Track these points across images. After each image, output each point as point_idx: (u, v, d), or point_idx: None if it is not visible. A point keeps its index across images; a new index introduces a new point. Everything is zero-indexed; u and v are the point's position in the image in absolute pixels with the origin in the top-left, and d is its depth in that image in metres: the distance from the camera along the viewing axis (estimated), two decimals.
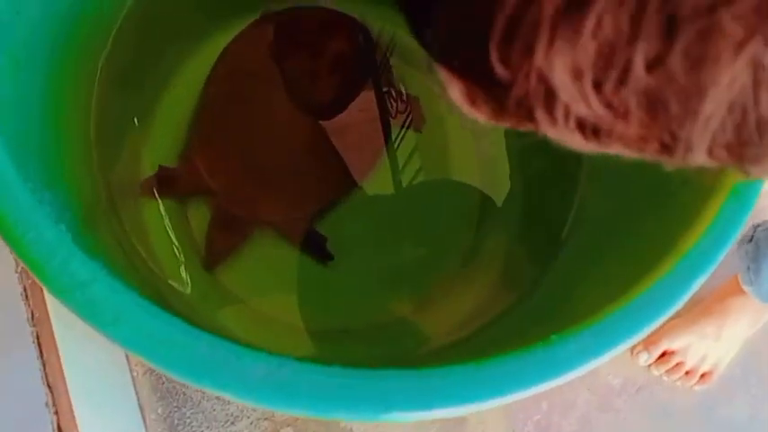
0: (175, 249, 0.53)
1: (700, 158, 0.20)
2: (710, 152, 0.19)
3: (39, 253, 0.28)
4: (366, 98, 0.59)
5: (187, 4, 0.56)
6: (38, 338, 0.44)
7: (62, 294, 0.29)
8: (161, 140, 0.55)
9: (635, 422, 0.65)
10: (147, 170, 0.54)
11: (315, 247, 0.56)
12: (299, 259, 0.56)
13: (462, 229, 0.58)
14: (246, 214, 0.55)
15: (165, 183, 0.55)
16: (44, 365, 0.45)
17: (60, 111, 0.42)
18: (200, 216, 0.55)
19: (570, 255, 0.48)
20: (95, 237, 0.40)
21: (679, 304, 0.33)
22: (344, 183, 0.57)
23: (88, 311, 0.28)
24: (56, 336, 0.45)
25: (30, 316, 0.46)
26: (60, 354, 0.45)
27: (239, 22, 0.58)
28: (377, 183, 0.58)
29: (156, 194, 0.54)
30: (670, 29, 0.17)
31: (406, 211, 0.59)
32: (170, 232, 0.54)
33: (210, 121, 0.56)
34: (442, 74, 0.22)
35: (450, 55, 0.22)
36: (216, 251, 0.54)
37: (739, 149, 0.19)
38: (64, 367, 0.45)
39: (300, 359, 0.29)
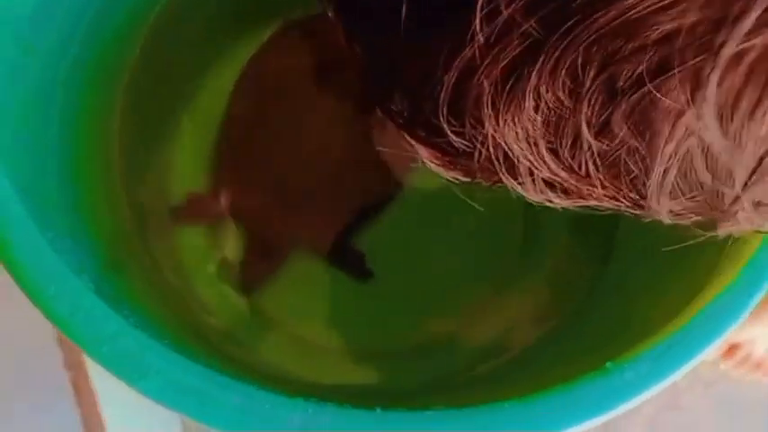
0: (210, 276, 0.52)
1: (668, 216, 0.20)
2: (674, 212, 0.20)
3: (62, 308, 0.28)
4: None
5: (204, 23, 0.55)
6: (74, 384, 0.44)
7: (89, 348, 0.28)
8: (188, 166, 0.54)
9: (702, 420, 0.63)
10: (176, 198, 0.53)
11: (352, 265, 0.54)
12: (336, 278, 0.54)
13: (508, 237, 0.55)
14: (279, 236, 0.53)
15: (195, 210, 0.54)
16: (81, 410, 0.44)
17: (80, 150, 0.42)
18: (233, 241, 0.54)
19: (622, 266, 0.46)
20: (123, 278, 0.39)
21: (746, 314, 0.30)
22: (380, 193, 0.55)
23: (116, 365, 0.27)
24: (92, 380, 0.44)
25: (65, 361, 0.45)
26: (98, 397, 0.44)
27: (259, 34, 0.56)
28: (416, 189, 0.56)
29: (187, 222, 0.53)
30: (611, 97, 0.17)
31: (448, 219, 0.57)
32: (204, 259, 0.52)
33: (236, 143, 0.54)
34: (410, 140, 0.22)
35: (413, 126, 0.22)
36: (252, 276, 0.53)
37: (699, 210, 0.20)
38: (102, 411, 0.44)
39: (340, 404, 0.28)
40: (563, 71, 0.17)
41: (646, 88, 0.16)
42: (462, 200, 0.55)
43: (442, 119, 0.19)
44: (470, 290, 0.54)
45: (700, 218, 0.20)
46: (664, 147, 0.17)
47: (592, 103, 0.17)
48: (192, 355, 0.39)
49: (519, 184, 0.20)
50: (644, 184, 0.19)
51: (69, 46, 0.42)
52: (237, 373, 0.38)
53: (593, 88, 0.17)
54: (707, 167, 0.18)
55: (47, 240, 0.28)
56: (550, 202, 0.21)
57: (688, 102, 0.16)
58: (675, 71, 0.16)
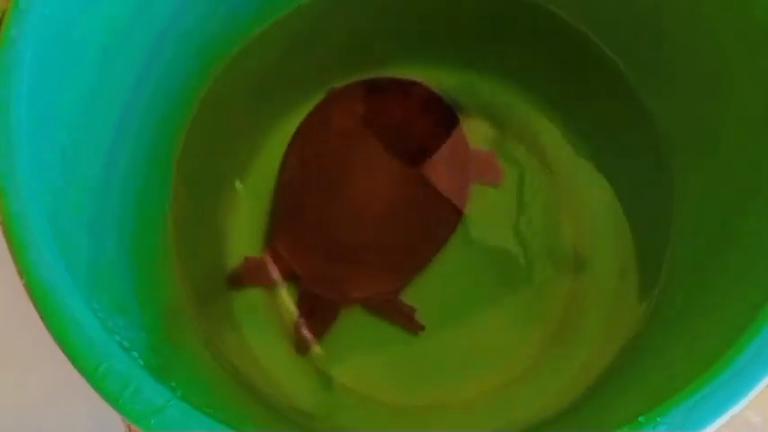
0: (267, 340, 0.54)
1: None
2: None
3: (112, 384, 0.29)
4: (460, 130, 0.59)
5: (254, 94, 0.58)
6: None
7: (138, 422, 0.29)
8: (242, 232, 0.57)
9: None
10: (232, 264, 0.55)
11: (404, 319, 0.55)
12: (389, 333, 0.55)
13: (556, 285, 0.56)
14: (332, 295, 0.55)
15: (252, 272, 0.56)
16: None
17: (134, 230, 0.44)
18: (288, 302, 0.56)
19: (666, 311, 0.45)
20: (177, 349, 0.41)
21: None
22: (434, 246, 0.56)
23: None
24: None
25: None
26: None
27: (307, 101, 0.59)
28: (463, 239, 0.57)
29: (243, 285, 0.55)
30: None
31: (495, 268, 0.57)
32: (260, 323, 0.54)
33: (288, 206, 0.57)
34: None
35: None
36: (305, 335, 0.54)
37: None
38: None
39: None
40: None
41: None
42: (508, 247, 0.56)
43: None
44: (519, 342, 0.54)
45: None
46: None
47: None
48: (251, 421, 0.40)
49: None
50: None
51: (126, 126, 0.45)
52: None
53: None
54: None
55: (98, 320, 0.30)
56: None
57: None
58: None
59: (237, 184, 0.58)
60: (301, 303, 0.55)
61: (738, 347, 0.30)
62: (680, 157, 0.51)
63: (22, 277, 0.31)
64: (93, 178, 0.40)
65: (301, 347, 0.54)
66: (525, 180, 0.59)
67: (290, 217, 0.57)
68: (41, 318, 0.30)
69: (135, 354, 0.31)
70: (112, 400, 0.29)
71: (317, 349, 0.54)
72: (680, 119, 0.51)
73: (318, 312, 0.55)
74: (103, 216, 0.40)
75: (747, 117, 0.44)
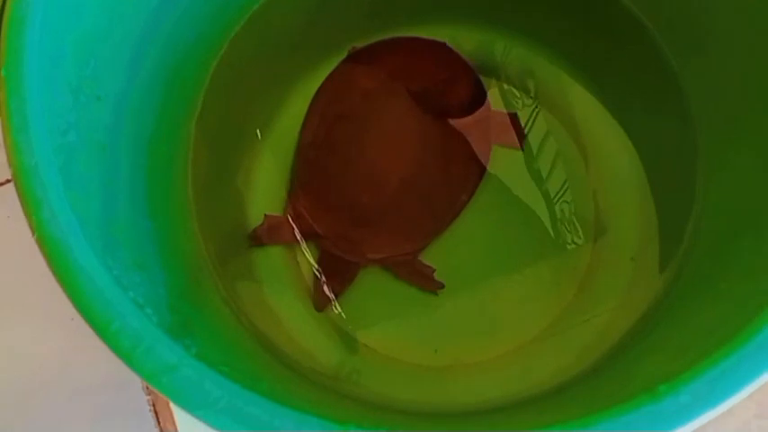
0: (287, 298, 0.54)
1: None
2: None
3: (125, 342, 0.29)
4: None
5: (275, 52, 0.57)
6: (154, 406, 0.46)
7: (151, 379, 0.29)
8: (264, 190, 0.56)
9: None
10: (253, 222, 0.55)
11: (423, 280, 0.54)
12: (410, 294, 0.55)
13: (579, 248, 0.55)
14: (352, 255, 0.54)
15: (273, 231, 0.55)
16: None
17: (152, 187, 0.44)
18: (308, 261, 0.55)
19: (687, 281, 0.44)
20: (196, 306, 0.41)
21: None
22: (454, 208, 0.55)
23: (177, 395, 0.29)
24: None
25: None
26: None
27: (328, 61, 0.58)
28: (482, 201, 0.56)
29: (264, 243, 0.55)
30: None
31: (515, 231, 0.57)
32: (280, 280, 0.54)
33: (309, 166, 0.56)
34: None
35: None
36: (323, 293, 0.54)
37: None
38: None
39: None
40: None
41: None
42: (530, 209, 0.55)
43: None
44: (539, 305, 0.53)
45: None
46: None
47: None
48: (267, 379, 0.40)
49: None
50: None
51: (138, 73, 0.44)
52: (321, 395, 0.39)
53: None
54: None
55: (112, 277, 0.30)
56: None
57: None
58: None
59: (258, 143, 0.57)
60: (321, 262, 0.55)
61: (764, 319, 0.29)
62: (705, 126, 0.50)
63: (33, 233, 0.31)
64: (104, 131, 0.39)
65: (319, 304, 0.54)
66: (549, 143, 0.58)
67: (311, 177, 0.56)
68: (53, 273, 0.30)
69: (149, 311, 0.31)
70: (125, 357, 0.29)
71: (335, 307, 0.54)
72: (708, 85, 0.50)
73: (337, 272, 0.55)
74: (116, 172, 0.40)
75: None
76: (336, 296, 0.54)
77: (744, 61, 0.45)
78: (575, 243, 0.55)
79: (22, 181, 0.31)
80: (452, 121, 0.57)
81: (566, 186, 0.56)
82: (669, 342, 0.39)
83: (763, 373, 0.28)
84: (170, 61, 0.46)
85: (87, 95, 0.37)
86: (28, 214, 0.31)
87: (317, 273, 0.55)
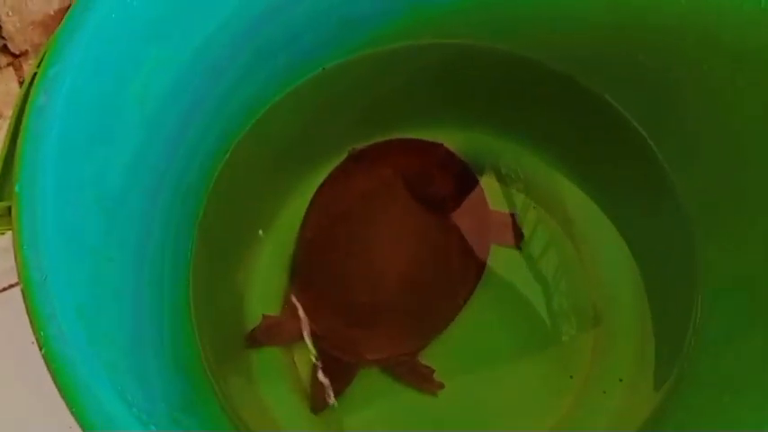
0: (285, 399, 0.53)
1: None
2: None
3: None
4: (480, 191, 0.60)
5: (274, 156, 0.58)
6: None
7: None
8: (262, 291, 0.57)
9: None
10: (250, 322, 0.55)
11: (421, 380, 0.54)
12: (406, 392, 0.55)
13: (578, 344, 0.55)
14: (350, 356, 0.54)
15: (270, 331, 0.55)
16: None
17: (156, 297, 0.44)
18: (306, 361, 0.55)
19: (688, 393, 0.44)
20: (196, 417, 0.41)
21: None
22: (454, 307, 0.56)
23: None
24: None
25: None
26: None
27: (328, 163, 0.59)
28: (480, 300, 0.56)
29: (262, 344, 0.55)
30: None
31: (515, 327, 0.57)
32: (279, 382, 0.54)
33: (308, 266, 0.57)
34: None
35: None
36: (322, 396, 0.54)
37: None
38: None
39: None
40: None
41: None
42: (528, 308, 0.55)
43: None
44: (540, 404, 0.53)
45: None
46: None
47: None
48: None
49: None
50: None
51: (156, 196, 0.45)
52: None
53: None
54: None
55: (117, 394, 0.30)
56: None
57: None
58: None
59: (256, 243, 0.58)
60: (319, 363, 0.55)
61: None
62: (702, 224, 0.51)
63: (40, 348, 0.31)
64: (122, 250, 0.40)
65: (317, 406, 0.53)
66: (545, 241, 0.58)
67: (309, 277, 0.56)
68: (59, 391, 0.30)
69: (153, 427, 0.31)
70: None
71: (333, 408, 0.54)
72: (702, 187, 0.51)
73: (335, 372, 0.55)
74: (128, 289, 0.40)
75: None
76: (335, 397, 0.54)
77: (736, 166, 0.47)
78: (574, 338, 0.55)
79: (30, 296, 0.32)
80: (452, 221, 0.58)
81: (561, 282, 0.57)
82: None
83: None
84: (186, 177, 0.48)
85: (110, 221, 0.38)
86: (35, 330, 0.31)
87: (315, 375, 0.54)
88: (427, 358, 0.55)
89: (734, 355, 0.42)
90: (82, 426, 0.30)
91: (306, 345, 0.56)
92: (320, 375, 0.55)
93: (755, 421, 0.31)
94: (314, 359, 0.55)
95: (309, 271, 0.57)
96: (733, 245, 0.48)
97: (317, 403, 0.54)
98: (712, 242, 0.50)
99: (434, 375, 0.55)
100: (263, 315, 0.56)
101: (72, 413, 0.30)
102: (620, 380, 0.53)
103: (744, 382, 0.39)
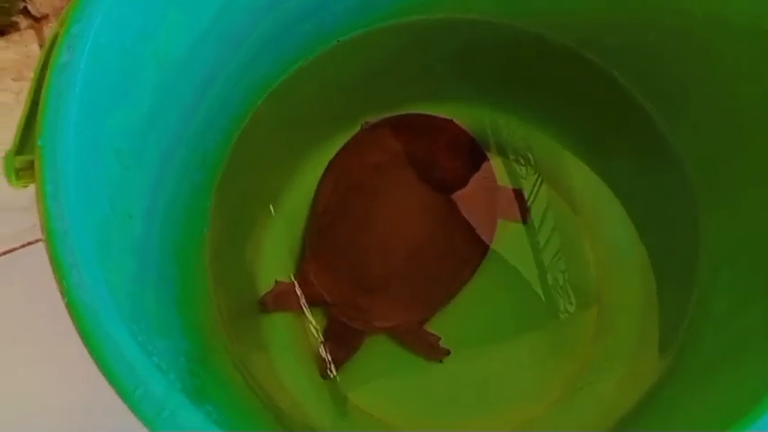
0: (295, 364, 0.54)
1: None
2: None
3: (149, 407, 0.30)
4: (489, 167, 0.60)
5: (290, 127, 0.59)
6: None
7: None
8: (274, 258, 0.58)
9: None
10: (263, 288, 0.56)
11: (427, 348, 0.55)
12: (411, 361, 0.55)
13: (581, 321, 0.56)
14: (359, 323, 0.55)
15: (282, 297, 0.56)
16: None
17: (175, 257, 0.45)
18: (317, 327, 0.56)
19: (690, 364, 0.45)
20: (210, 372, 0.42)
21: None
22: (460, 279, 0.56)
23: None
24: None
25: None
26: None
27: (342, 135, 0.60)
28: (487, 270, 0.57)
29: (274, 309, 0.55)
30: None
31: (520, 301, 0.58)
32: (289, 347, 0.55)
33: (320, 235, 0.57)
34: None
35: None
36: (331, 361, 0.54)
37: None
38: None
39: None
40: None
41: None
42: (533, 282, 0.56)
43: None
44: (541, 378, 0.54)
45: None
46: None
47: None
48: None
49: None
50: None
51: (172, 157, 0.46)
52: None
53: None
54: None
55: (137, 343, 0.31)
56: None
57: None
58: None
59: (272, 211, 0.58)
60: (329, 329, 0.56)
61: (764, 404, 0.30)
62: (705, 196, 0.52)
63: (63, 297, 0.32)
64: (139, 205, 0.40)
65: (325, 372, 0.54)
66: (551, 217, 0.59)
67: (321, 245, 0.57)
68: (80, 337, 0.31)
69: (172, 376, 0.31)
70: (148, 422, 0.30)
71: (340, 373, 0.55)
72: (705, 163, 0.52)
73: (344, 339, 0.56)
74: (148, 242, 0.41)
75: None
76: (342, 363, 0.55)
77: (736, 135, 0.47)
78: (576, 315, 0.56)
79: (53, 246, 0.33)
80: (461, 195, 0.58)
81: (566, 259, 0.57)
82: (672, 424, 0.40)
83: None
84: (202, 142, 0.48)
85: (124, 176, 0.38)
86: (58, 279, 0.32)
87: (324, 341, 0.55)
88: (433, 328, 0.56)
89: (735, 324, 0.42)
90: (102, 372, 0.30)
91: (316, 312, 0.57)
92: (329, 342, 0.56)
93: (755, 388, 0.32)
94: (321, 327, 0.56)
95: (322, 240, 0.58)
96: (734, 214, 0.49)
97: (325, 369, 0.55)
98: (715, 213, 0.51)
99: (440, 343, 0.55)
100: (275, 281, 0.57)
101: (94, 360, 0.31)
102: (624, 352, 0.53)
103: (744, 351, 0.39)
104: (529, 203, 0.59)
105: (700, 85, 0.50)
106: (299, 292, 0.56)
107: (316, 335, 0.56)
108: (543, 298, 0.57)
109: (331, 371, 0.55)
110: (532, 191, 0.60)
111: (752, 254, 0.45)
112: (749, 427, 0.29)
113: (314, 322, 0.56)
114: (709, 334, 0.45)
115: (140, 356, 0.31)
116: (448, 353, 0.55)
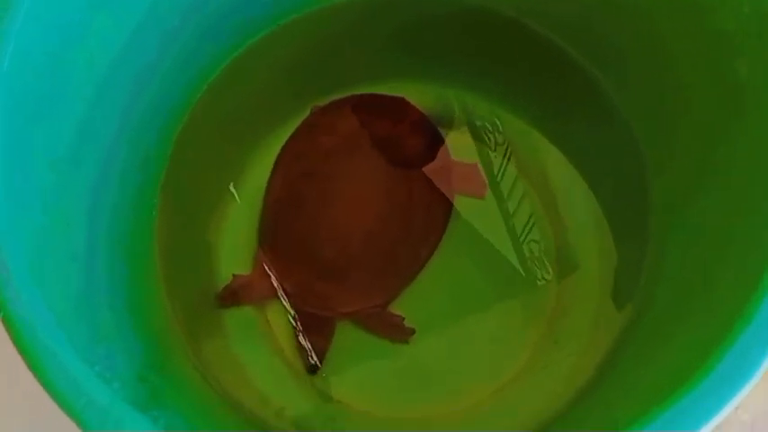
0: (259, 359, 0.54)
1: None
2: None
3: (92, 418, 0.30)
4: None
5: (235, 117, 0.58)
6: None
7: None
8: (231, 250, 0.57)
9: None
10: (221, 282, 0.55)
11: (392, 330, 0.55)
12: (381, 346, 0.55)
13: (541, 297, 0.56)
14: (323, 311, 0.55)
15: (241, 291, 0.56)
16: None
17: (118, 257, 0.44)
18: (279, 319, 0.56)
19: (648, 320, 0.45)
20: (167, 376, 0.41)
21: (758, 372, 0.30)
22: (420, 258, 0.56)
23: None
24: None
25: None
26: None
27: (292, 121, 0.59)
28: (447, 249, 0.57)
29: (233, 304, 0.55)
30: None
31: (481, 279, 0.58)
32: (253, 343, 0.54)
33: (275, 224, 0.57)
34: None
35: None
36: (315, 353, 0.54)
37: None
38: None
39: None
40: None
41: None
42: (496, 256, 0.56)
43: None
44: (511, 345, 0.54)
45: None
46: None
47: None
48: None
49: None
50: None
51: (112, 160, 0.45)
52: None
53: None
54: None
55: (77, 353, 0.31)
56: None
57: None
58: None
59: (224, 203, 0.58)
60: (299, 321, 0.55)
61: (716, 358, 0.30)
62: (652, 162, 0.52)
63: None
64: (78, 211, 0.40)
65: (308, 363, 0.54)
66: (508, 189, 0.59)
67: (277, 234, 0.57)
68: (19, 352, 0.30)
69: (116, 385, 0.31)
70: None
71: (313, 359, 0.55)
72: (650, 122, 0.52)
73: (315, 328, 0.55)
74: (93, 247, 0.40)
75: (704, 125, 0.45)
76: (323, 353, 0.55)
77: (676, 92, 0.48)
78: (544, 279, 0.56)
79: None
80: (415, 174, 0.58)
81: (526, 230, 0.57)
82: (633, 378, 0.40)
83: (714, 415, 0.29)
84: (142, 140, 0.47)
85: (61, 184, 0.38)
86: None
87: (298, 336, 0.55)
88: (397, 307, 0.56)
89: (683, 285, 0.43)
90: (43, 385, 0.30)
91: (279, 303, 0.56)
92: (302, 335, 0.55)
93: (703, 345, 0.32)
94: (291, 320, 0.56)
95: (277, 229, 0.57)
96: (678, 173, 0.49)
97: (309, 365, 0.54)
98: (662, 172, 0.51)
99: (404, 323, 0.55)
100: (233, 275, 0.56)
101: (33, 374, 0.30)
102: (586, 314, 0.53)
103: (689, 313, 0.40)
104: (486, 178, 0.59)
105: (636, 47, 0.50)
106: (258, 283, 0.56)
107: (281, 326, 0.56)
108: (505, 269, 0.57)
109: (312, 357, 0.54)
110: (494, 166, 0.60)
111: (698, 214, 0.45)
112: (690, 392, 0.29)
113: (292, 312, 0.56)
114: (660, 294, 0.45)
115: (81, 367, 0.30)
116: (413, 332, 0.55)
